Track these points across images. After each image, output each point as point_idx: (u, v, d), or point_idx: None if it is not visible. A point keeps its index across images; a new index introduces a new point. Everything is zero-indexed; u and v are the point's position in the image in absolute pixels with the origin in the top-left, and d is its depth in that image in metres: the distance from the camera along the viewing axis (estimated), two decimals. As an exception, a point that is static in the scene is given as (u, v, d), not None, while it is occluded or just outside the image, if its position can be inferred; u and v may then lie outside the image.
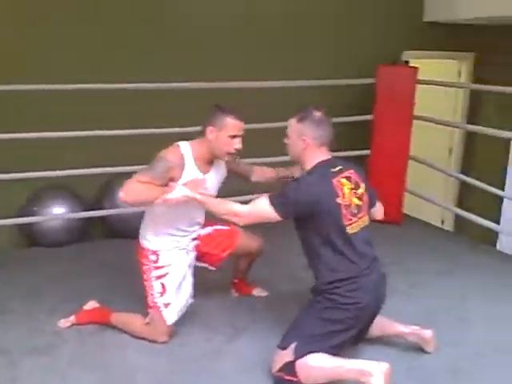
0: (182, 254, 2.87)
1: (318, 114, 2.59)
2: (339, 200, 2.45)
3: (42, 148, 3.98)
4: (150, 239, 2.86)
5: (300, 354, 2.39)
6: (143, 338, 2.83)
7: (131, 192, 2.56)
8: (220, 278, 3.31)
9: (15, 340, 2.85)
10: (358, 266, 2.47)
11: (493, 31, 5.44)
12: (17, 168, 3.88)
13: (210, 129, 2.72)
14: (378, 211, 2.82)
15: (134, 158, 4.15)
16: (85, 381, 2.54)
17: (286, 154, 2.70)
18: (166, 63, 4.42)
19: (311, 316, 2.49)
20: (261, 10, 4.72)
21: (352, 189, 2.52)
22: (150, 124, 4.10)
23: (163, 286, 2.80)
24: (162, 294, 2.79)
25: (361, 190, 2.56)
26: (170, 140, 4.06)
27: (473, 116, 5.73)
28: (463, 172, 5.45)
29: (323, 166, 2.54)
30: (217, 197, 2.82)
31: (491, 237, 4.61)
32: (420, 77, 4.55)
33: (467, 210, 4.45)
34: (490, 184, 4.10)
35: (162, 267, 2.81)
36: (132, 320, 2.89)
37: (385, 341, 2.77)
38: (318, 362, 2.37)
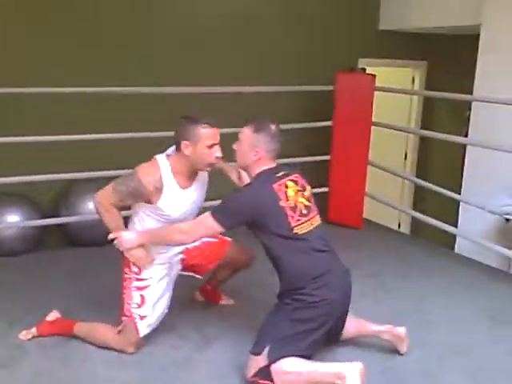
0: (165, 268, 2.79)
1: (273, 127, 2.60)
2: (282, 203, 2.48)
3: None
4: None
5: (274, 358, 2.39)
6: (109, 348, 2.74)
7: (98, 207, 2.66)
8: (187, 282, 3.23)
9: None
10: (319, 263, 2.51)
11: (443, 40, 5.64)
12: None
13: (184, 144, 2.58)
14: None
15: (92, 163, 4.10)
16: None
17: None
18: (133, 68, 4.38)
19: (282, 318, 2.49)
20: (224, 12, 4.74)
21: (298, 190, 2.58)
22: (109, 129, 4.01)
23: (142, 298, 2.71)
24: (139, 305, 2.71)
25: (307, 192, 2.63)
26: (131, 146, 4.11)
27: (426, 122, 5.90)
28: (418, 176, 5.59)
29: (267, 172, 2.58)
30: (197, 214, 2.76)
31: (448, 239, 4.73)
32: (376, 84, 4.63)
33: (422, 214, 4.56)
34: (444, 187, 4.23)
35: (143, 280, 2.72)
36: (99, 329, 2.80)
37: (358, 342, 2.79)
38: (294, 367, 2.37)
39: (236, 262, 3.03)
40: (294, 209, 2.50)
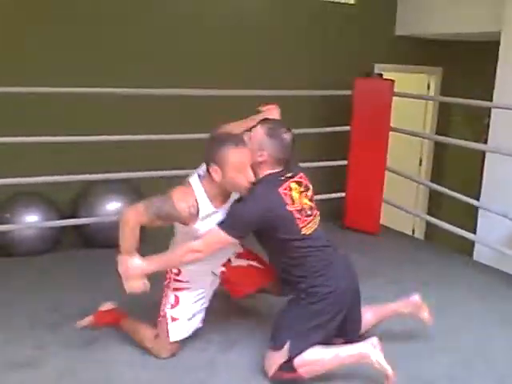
0: (206, 277, 2.76)
1: (287, 137, 2.54)
2: (289, 207, 2.49)
3: (15, 153, 3.85)
4: None
5: (296, 352, 2.44)
6: (147, 349, 2.75)
7: (124, 224, 2.49)
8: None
9: (-3, 354, 2.71)
10: (327, 257, 2.56)
11: (460, 47, 5.63)
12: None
13: (212, 168, 2.44)
14: None
15: (111, 165, 4.10)
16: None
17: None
18: (152, 69, 4.38)
19: (298, 313, 2.54)
20: (236, 24, 4.74)
21: (302, 192, 2.59)
22: (127, 130, 4.01)
23: (177, 299, 2.70)
24: (173, 306, 2.70)
25: (310, 192, 2.65)
26: (150, 147, 4.11)
27: (441, 128, 5.89)
28: (433, 183, 5.56)
29: (271, 176, 2.55)
30: None
31: (463, 246, 4.72)
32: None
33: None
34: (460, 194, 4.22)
35: (181, 281, 2.70)
36: (141, 330, 2.79)
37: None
38: (316, 355, 2.46)
39: (268, 290, 2.94)
40: (300, 211, 2.53)
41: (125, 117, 4.22)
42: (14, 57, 3.97)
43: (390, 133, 4.69)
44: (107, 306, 2.97)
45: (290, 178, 2.58)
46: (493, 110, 4.47)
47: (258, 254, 2.87)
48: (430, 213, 5.92)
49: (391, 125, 4.65)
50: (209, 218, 2.51)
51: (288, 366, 2.45)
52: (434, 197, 6.01)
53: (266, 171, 2.56)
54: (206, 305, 2.79)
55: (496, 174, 4.40)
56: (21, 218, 3.96)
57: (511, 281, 3.94)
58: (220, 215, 2.52)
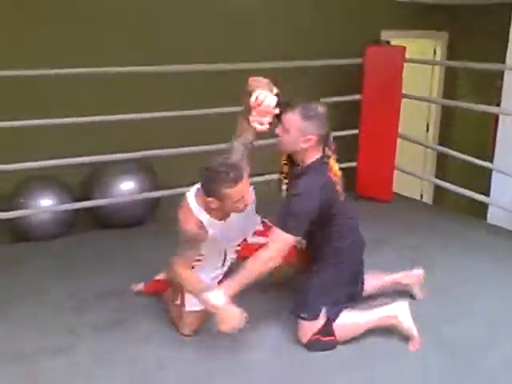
0: (219, 257, 2.76)
1: (322, 109, 2.48)
2: (337, 188, 2.53)
3: (25, 138, 3.79)
4: None
5: (334, 316, 2.56)
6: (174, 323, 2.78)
7: (178, 278, 2.60)
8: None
9: (27, 342, 2.69)
10: (350, 222, 2.67)
11: (466, 11, 5.54)
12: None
13: (209, 200, 2.43)
14: None
15: (122, 145, 4.05)
16: (116, 376, 2.45)
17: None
18: (163, 47, 4.29)
19: (327, 279, 2.62)
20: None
21: (335, 160, 2.61)
22: (137, 109, 3.94)
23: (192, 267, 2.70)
24: None
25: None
26: (157, 126, 4.06)
27: (448, 93, 5.83)
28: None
29: (317, 163, 2.51)
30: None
31: (474, 209, 4.74)
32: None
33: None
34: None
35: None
36: (172, 298, 2.81)
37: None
38: (351, 319, 2.60)
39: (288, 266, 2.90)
40: (338, 181, 2.56)
41: (134, 96, 4.14)
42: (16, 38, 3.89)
43: (399, 100, 4.64)
44: (161, 275, 3.02)
45: (329, 157, 2.55)
46: (506, 72, 4.42)
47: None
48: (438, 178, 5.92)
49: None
50: (218, 229, 2.56)
51: (326, 330, 2.54)
52: (441, 162, 6.00)
53: (311, 155, 2.50)
54: (218, 279, 2.77)
55: (510, 136, 4.37)
56: (35, 203, 3.92)
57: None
58: (227, 224, 2.57)
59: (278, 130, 2.51)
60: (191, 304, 2.68)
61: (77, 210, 4.10)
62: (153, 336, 2.74)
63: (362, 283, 2.83)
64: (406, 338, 2.64)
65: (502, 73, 4.53)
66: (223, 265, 2.79)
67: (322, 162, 2.52)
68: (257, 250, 2.67)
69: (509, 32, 4.33)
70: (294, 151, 2.53)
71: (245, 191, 2.45)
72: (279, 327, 2.77)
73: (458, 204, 5.22)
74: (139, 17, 4.26)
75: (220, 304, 2.36)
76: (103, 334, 2.75)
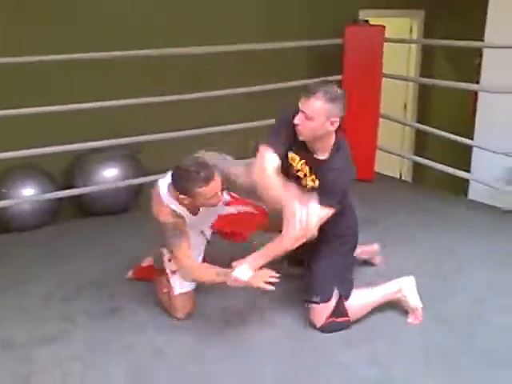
0: (196, 237, 2.74)
1: (341, 91, 2.46)
2: None
3: (7, 126, 3.67)
4: None
5: (346, 295, 2.60)
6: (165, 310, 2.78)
7: (187, 271, 2.55)
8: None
9: (19, 332, 2.67)
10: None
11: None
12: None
13: (181, 197, 2.46)
14: None
15: (104, 132, 3.99)
16: (111, 364, 2.44)
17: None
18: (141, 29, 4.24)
19: (338, 262, 2.68)
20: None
21: None
22: (119, 96, 3.87)
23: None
24: (169, 259, 2.70)
25: None
26: (140, 112, 4.00)
27: (425, 72, 5.88)
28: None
29: (343, 142, 2.59)
30: None
31: (453, 186, 4.81)
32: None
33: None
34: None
35: None
36: (160, 288, 2.81)
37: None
38: (362, 298, 2.64)
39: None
40: None
41: (116, 82, 4.09)
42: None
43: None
44: (146, 261, 3.03)
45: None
46: (485, 50, 4.47)
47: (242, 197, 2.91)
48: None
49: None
50: (192, 220, 2.58)
51: (339, 310, 2.56)
52: (419, 141, 6.07)
53: (332, 137, 2.52)
54: (199, 258, 2.77)
55: (490, 113, 4.44)
56: (17, 192, 3.86)
57: (508, 216, 4.04)
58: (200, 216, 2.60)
59: (297, 120, 2.44)
60: (179, 287, 2.71)
61: (60, 199, 4.05)
62: (148, 323, 2.73)
63: None
64: (406, 312, 2.70)
65: (480, 50, 4.58)
66: (203, 242, 2.81)
67: (345, 141, 2.59)
68: (229, 220, 2.78)
69: (486, 9, 4.36)
70: (317, 137, 2.48)
71: (217, 188, 2.45)
72: (286, 310, 2.78)
73: (437, 182, 5.31)
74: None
75: (248, 278, 2.39)
76: (97, 322, 2.74)
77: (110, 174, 4.10)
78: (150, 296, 2.92)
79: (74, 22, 4.06)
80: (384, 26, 4.54)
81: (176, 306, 2.73)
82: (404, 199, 4.48)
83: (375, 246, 3.20)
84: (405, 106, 6.13)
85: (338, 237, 2.68)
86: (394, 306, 2.74)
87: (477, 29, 4.47)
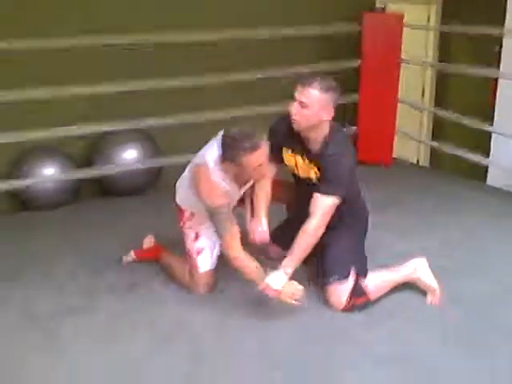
0: None
1: (335, 83, 2.52)
2: None
3: (27, 107, 3.74)
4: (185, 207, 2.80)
5: (364, 273, 2.63)
6: (184, 286, 2.83)
7: (235, 262, 2.51)
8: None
9: (45, 304, 2.74)
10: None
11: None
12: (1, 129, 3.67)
13: (227, 164, 2.47)
14: None
15: (123, 114, 4.03)
16: (138, 336, 2.49)
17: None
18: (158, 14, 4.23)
19: (353, 240, 2.75)
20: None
21: None
22: (138, 78, 3.94)
23: (196, 234, 2.78)
24: (194, 239, 2.77)
25: None
26: (158, 95, 4.02)
27: (443, 57, 5.84)
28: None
29: (339, 128, 2.66)
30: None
31: (471, 172, 4.80)
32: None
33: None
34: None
35: (195, 223, 2.79)
36: (176, 267, 2.89)
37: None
38: (380, 279, 2.67)
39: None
40: None
41: (134, 65, 4.11)
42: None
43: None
44: (148, 240, 3.11)
45: None
46: (505, 36, 4.43)
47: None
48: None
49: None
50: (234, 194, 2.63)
51: (358, 290, 2.58)
52: (437, 127, 6.04)
53: (327, 126, 2.55)
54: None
55: (510, 99, 4.42)
56: (39, 172, 3.91)
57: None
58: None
59: (292, 108, 2.49)
60: (204, 265, 2.76)
61: (79, 180, 4.11)
62: (168, 297, 2.79)
63: None
64: (424, 293, 2.72)
65: (500, 37, 4.55)
66: None
67: (341, 127, 2.65)
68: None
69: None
70: (312, 126, 2.51)
71: (263, 159, 2.44)
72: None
73: (455, 167, 5.28)
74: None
75: (280, 288, 2.44)
76: (119, 296, 2.80)
77: (129, 156, 4.14)
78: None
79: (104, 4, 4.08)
80: (402, 14, 4.54)
81: (199, 283, 2.78)
82: (422, 184, 4.49)
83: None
84: (423, 92, 6.09)
85: (350, 216, 2.72)
86: (411, 286, 2.76)
87: (496, 16, 4.45)
